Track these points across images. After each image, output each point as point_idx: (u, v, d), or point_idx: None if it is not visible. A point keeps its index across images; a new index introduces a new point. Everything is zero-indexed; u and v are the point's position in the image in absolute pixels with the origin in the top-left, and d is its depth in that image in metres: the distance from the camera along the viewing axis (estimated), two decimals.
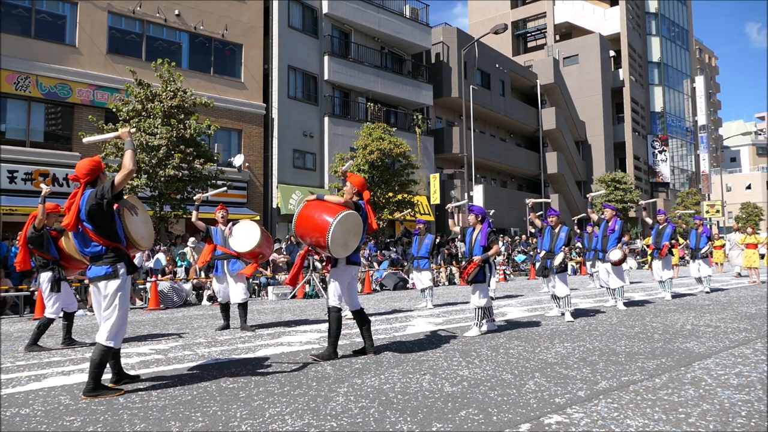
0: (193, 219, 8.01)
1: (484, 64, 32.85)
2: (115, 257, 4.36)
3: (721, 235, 22.79)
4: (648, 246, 14.92)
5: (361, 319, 5.74)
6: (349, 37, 25.83)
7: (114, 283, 4.33)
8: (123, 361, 5.13)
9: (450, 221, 8.22)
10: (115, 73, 18.04)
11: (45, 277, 6.65)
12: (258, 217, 20.35)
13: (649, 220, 11.74)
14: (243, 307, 7.99)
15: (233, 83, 21.36)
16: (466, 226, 7.42)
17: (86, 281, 11.21)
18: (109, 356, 4.36)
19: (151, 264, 13.67)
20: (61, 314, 6.87)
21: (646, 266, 23.66)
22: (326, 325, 8.16)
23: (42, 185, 6.89)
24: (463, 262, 7.57)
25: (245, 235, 7.71)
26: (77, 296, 11.65)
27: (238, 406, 3.90)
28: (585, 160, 42.78)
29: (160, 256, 13.92)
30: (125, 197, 4.63)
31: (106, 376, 4.56)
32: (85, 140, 4.94)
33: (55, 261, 6.68)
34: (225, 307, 8.22)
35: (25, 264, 6.67)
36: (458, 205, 9.96)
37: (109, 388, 4.37)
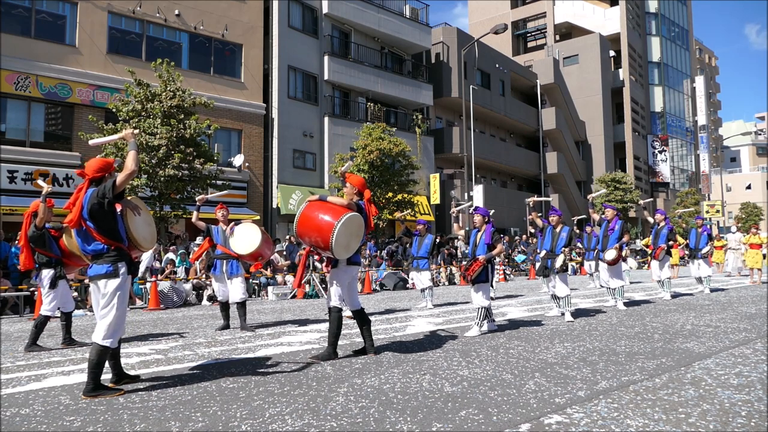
0: (194, 219, 8.06)
1: (484, 64, 32.85)
2: (116, 256, 4.37)
3: (721, 236, 22.80)
4: (647, 246, 14.93)
5: (362, 319, 5.74)
6: (349, 37, 25.84)
7: (114, 282, 4.34)
8: (123, 361, 5.13)
9: (455, 225, 8.23)
10: (115, 73, 18.04)
11: (47, 274, 6.65)
12: (258, 217, 20.35)
13: (651, 219, 11.74)
14: (242, 306, 7.99)
15: (233, 83, 21.37)
16: (471, 228, 7.45)
17: (86, 281, 11.22)
18: (106, 356, 4.35)
19: (162, 264, 13.72)
20: (58, 313, 6.88)
21: (646, 266, 23.67)
22: (326, 325, 8.16)
23: (41, 183, 6.87)
24: (464, 262, 7.59)
25: (246, 237, 7.71)
26: (78, 296, 11.69)
27: (238, 406, 3.90)
28: (585, 160, 42.79)
29: (171, 255, 14.00)
30: (129, 198, 4.66)
31: (106, 375, 4.56)
32: (91, 142, 5.02)
33: (57, 259, 6.69)
34: (225, 307, 8.22)
35: (29, 263, 6.68)
36: (462, 208, 9.97)
37: (109, 388, 4.37)
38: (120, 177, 4.29)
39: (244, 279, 8.21)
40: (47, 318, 6.67)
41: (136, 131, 4.60)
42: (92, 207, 4.26)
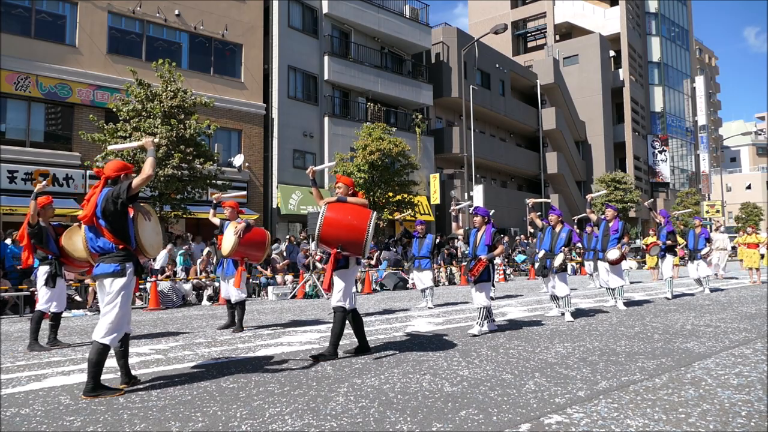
0: (210, 217, 8.30)
1: (484, 64, 32.85)
2: (124, 256, 4.42)
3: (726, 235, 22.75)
4: (647, 246, 14.88)
5: (356, 318, 5.76)
6: (349, 37, 25.83)
7: (119, 282, 4.36)
8: None
9: (454, 224, 8.21)
10: (115, 73, 18.03)
11: (43, 270, 6.65)
12: (257, 216, 20.34)
13: (658, 219, 11.81)
14: (239, 306, 7.99)
15: (233, 83, 21.36)
16: (471, 228, 7.45)
17: (86, 280, 11.22)
18: (106, 354, 4.33)
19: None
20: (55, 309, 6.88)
21: (646, 266, 23.67)
22: (326, 325, 8.17)
23: (40, 183, 6.88)
24: (464, 262, 7.59)
25: (226, 239, 7.78)
26: (77, 297, 11.69)
27: (238, 406, 3.90)
28: (585, 160, 42.79)
29: (179, 257, 14.11)
30: (141, 204, 4.71)
31: (108, 376, 4.56)
32: (109, 148, 5.10)
33: (55, 256, 6.67)
34: (230, 305, 8.23)
35: (30, 261, 6.69)
36: (461, 207, 9.94)
37: (109, 388, 4.36)
38: (136, 180, 4.39)
39: (244, 278, 8.21)
40: (43, 314, 6.67)
41: (156, 139, 4.72)
42: (106, 206, 4.34)
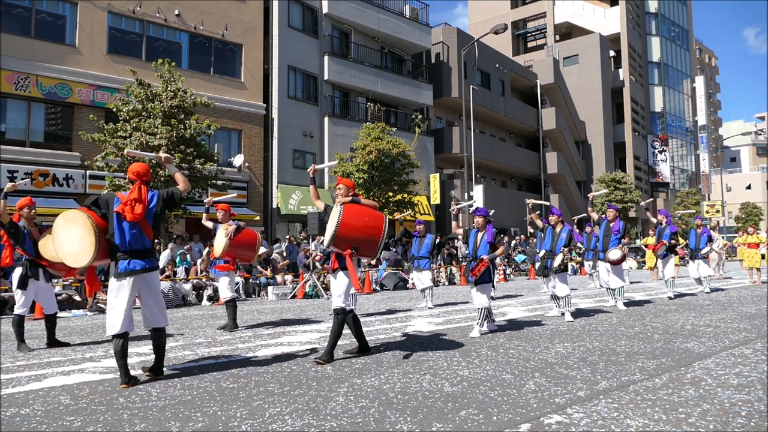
0: (203, 221, 8.32)
1: (484, 64, 32.85)
2: (155, 251, 4.88)
3: (721, 236, 22.75)
4: (647, 246, 14.90)
5: (354, 320, 5.77)
6: (349, 37, 25.84)
7: (158, 273, 4.89)
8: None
9: (454, 223, 8.20)
10: (115, 73, 18.03)
11: (17, 272, 6.61)
12: (257, 217, 20.35)
13: (654, 220, 11.81)
14: (230, 305, 8.00)
15: (233, 83, 21.36)
16: (471, 228, 7.46)
17: (78, 276, 11.18)
18: None
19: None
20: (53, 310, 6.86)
21: (646, 266, 23.67)
22: (326, 324, 8.18)
23: (11, 184, 6.94)
24: (464, 262, 7.60)
25: (218, 241, 7.88)
26: (77, 296, 11.67)
27: (238, 406, 3.90)
28: (585, 160, 42.79)
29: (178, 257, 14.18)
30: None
31: (109, 376, 4.55)
32: (126, 151, 5.29)
33: (29, 258, 6.58)
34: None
35: (9, 260, 6.67)
36: (462, 207, 9.92)
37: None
38: (182, 187, 4.91)
39: (232, 278, 8.27)
40: (21, 317, 6.62)
41: (175, 159, 5.19)
42: (160, 208, 4.76)
